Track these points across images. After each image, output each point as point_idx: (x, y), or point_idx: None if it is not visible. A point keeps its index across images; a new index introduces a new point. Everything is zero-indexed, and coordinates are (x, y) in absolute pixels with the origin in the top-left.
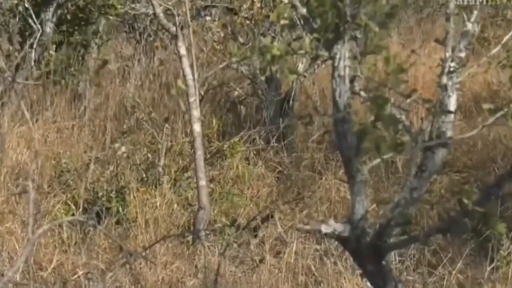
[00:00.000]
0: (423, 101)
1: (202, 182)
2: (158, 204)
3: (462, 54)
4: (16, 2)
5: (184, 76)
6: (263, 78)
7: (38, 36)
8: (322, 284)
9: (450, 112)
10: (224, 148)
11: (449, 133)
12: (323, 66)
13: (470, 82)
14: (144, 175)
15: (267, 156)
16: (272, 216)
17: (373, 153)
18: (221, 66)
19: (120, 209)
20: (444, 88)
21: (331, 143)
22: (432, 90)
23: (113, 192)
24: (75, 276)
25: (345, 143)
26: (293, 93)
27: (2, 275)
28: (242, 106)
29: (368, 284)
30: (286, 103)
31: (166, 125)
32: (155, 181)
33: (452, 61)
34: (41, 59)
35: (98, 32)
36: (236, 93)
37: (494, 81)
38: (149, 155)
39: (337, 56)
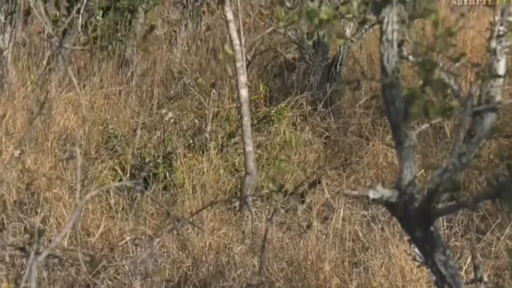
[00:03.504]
0: (471, 65)
1: (249, 148)
2: (205, 170)
3: None
4: None
5: (231, 41)
6: (310, 43)
7: (85, 1)
8: (369, 250)
9: (499, 76)
10: (271, 114)
11: (498, 98)
12: (371, 30)
13: None
14: (191, 141)
15: (314, 122)
16: (319, 182)
17: (421, 118)
18: (268, 31)
19: (167, 175)
20: (493, 52)
21: (378, 108)
22: (481, 54)
23: (160, 158)
24: (123, 242)
25: (393, 108)
26: (340, 58)
27: (50, 241)
28: (289, 72)
29: (416, 250)
30: (333, 68)
31: (213, 90)
32: (202, 147)
33: (501, 24)
34: (88, 24)
35: None
36: (283, 58)
37: None
38: (196, 120)
39: (385, 20)
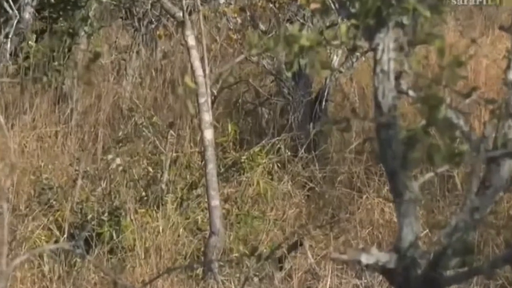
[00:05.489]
0: (485, 102)
1: (215, 202)
2: (160, 229)
3: None
4: None
5: (193, 71)
6: (289, 74)
7: (15, 23)
8: None
9: None
10: (242, 160)
11: None
12: (363, 59)
13: None
14: (143, 193)
15: (294, 170)
16: (301, 244)
17: (425, 166)
18: (238, 59)
19: (114, 235)
20: (511, 85)
21: (373, 154)
22: (497, 88)
23: (106, 215)
24: None
25: (390, 153)
26: (326, 92)
27: None
28: (264, 109)
29: None
30: (317, 104)
31: (171, 131)
32: (157, 201)
33: None
34: (19, 51)
35: (88, 18)
36: (256, 92)
37: None
38: (150, 168)
39: (380, 47)
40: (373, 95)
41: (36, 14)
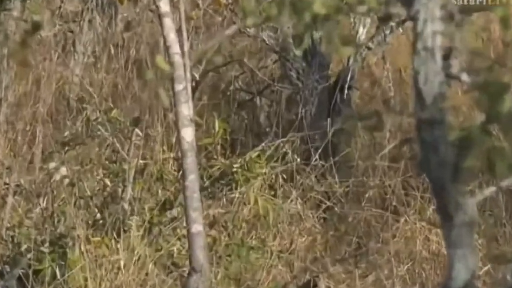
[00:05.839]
0: None
1: (197, 228)
2: (122, 264)
3: None
4: None
5: (167, 48)
6: (299, 52)
7: None
8: None
9: None
10: (234, 170)
11: None
12: (400, 31)
13: None
14: (98, 215)
15: (306, 183)
16: (315, 285)
17: (485, 177)
18: (229, 32)
19: (58, 272)
20: None
21: (413, 161)
22: None
23: (47, 245)
24: None
25: (437, 160)
26: (349, 76)
27: None
28: (264, 99)
29: None
30: (338, 93)
31: (137, 131)
32: (117, 226)
33: None
34: None
35: None
36: (254, 77)
37: None
38: (108, 181)
39: (422, 16)
40: (413, 80)
41: None
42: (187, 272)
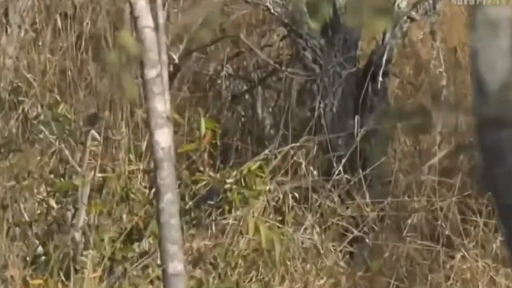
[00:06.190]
0: None
1: (175, 266)
2: None
3: None
4: None
5: (135, 20)
6: (316, 25)
7: None
8: None
9: None
10: (227, 186)
11: None
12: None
13: None
14: (40, 249)
15: (325, 205)
16: None
17: None
18: None
19: None
20: None
21: (473, 174)
22: None
23: None
24: None
25: (504, 171)
26: (384, 59)
27: None
28: (265, 91)
29: None
30: (369, 82)
31: (93, 132)
32: (66, 264)
33: None
34: None
35: None
36: (254, 59)
37: None
38: (53, 202)
39: None
40: (471, 64)
41: None
42: None
